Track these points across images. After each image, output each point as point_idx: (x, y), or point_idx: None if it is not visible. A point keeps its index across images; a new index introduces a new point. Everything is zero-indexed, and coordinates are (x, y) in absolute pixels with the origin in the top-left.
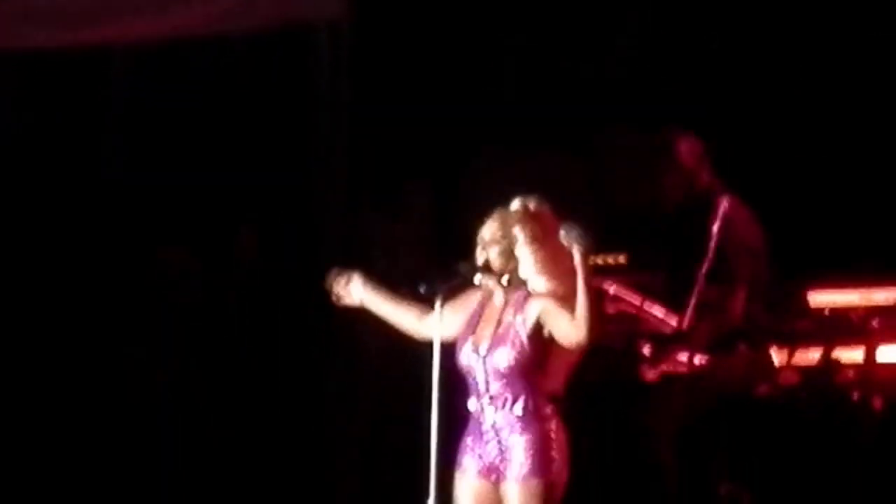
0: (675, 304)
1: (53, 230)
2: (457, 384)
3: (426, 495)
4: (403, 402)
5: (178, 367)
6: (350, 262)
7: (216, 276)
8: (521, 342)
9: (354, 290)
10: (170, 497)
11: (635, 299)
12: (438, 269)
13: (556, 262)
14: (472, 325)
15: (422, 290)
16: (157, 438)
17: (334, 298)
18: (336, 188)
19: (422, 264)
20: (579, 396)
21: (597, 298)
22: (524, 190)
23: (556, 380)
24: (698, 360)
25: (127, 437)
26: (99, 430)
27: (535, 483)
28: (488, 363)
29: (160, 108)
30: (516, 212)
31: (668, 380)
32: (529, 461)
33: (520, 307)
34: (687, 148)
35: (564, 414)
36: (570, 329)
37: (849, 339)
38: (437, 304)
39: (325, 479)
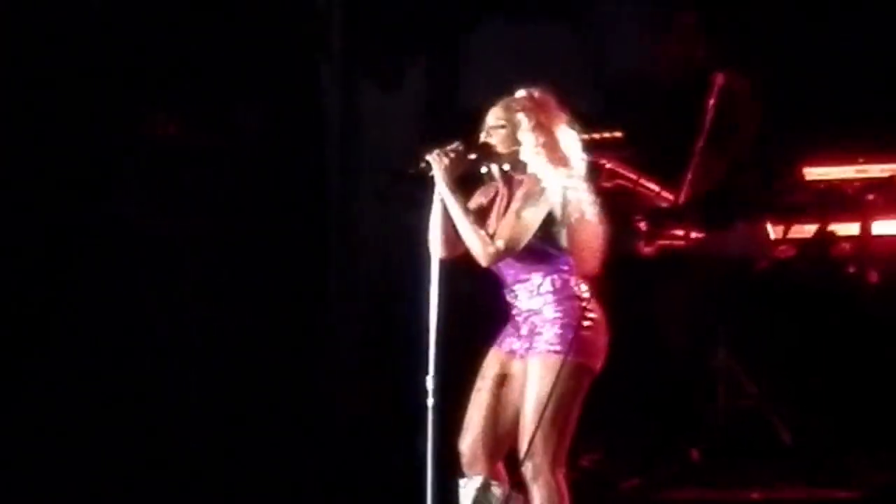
0: (670, 179)
1: None
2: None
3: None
4: (404, 281)
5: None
6: (346, 137)
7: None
8: None
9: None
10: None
11: (632, 174)
12: (433, 146)
13: (555, 151)
14: (485, 218)
15: (411, 170)
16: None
17: (438, 160)
18: (333, 62)
19: (415, 140)
20: None
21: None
22: (520, 65)
23: (589, 258)
24: (695, 234)
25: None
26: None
27: (554, 360)
28: None
29: None
30: (521, 98)
31: (666, 258)
32: (554, 338)
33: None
34: (683, 22)
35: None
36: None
37: (844, 213)
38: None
39: (326, 355)
